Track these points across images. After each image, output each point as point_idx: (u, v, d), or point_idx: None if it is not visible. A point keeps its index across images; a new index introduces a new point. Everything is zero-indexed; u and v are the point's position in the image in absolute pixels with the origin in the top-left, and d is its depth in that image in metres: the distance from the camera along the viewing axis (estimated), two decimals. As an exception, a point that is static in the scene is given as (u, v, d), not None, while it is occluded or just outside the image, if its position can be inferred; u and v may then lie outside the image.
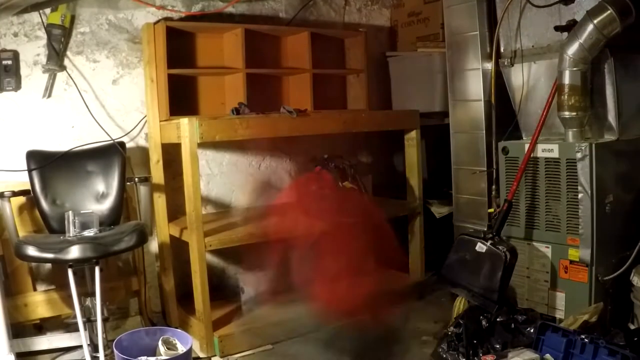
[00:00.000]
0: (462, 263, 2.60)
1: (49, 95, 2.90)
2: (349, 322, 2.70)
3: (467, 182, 3.04)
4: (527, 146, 2.64)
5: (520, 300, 2.72)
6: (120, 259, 3.04)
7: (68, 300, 2.59)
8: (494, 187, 2.82)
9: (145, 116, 3.09)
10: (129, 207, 2.95)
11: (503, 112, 2.88)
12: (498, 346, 2.30)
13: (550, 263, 2.61)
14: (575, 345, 2.09)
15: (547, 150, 2.60)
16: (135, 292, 3.01)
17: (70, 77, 2.92)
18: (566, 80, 2.47)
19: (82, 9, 2.94)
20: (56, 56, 2.83)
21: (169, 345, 2.31)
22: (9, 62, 2.77)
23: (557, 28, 2.58)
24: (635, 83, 2.62)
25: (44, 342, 2.74)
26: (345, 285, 2.52)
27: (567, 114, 2.51)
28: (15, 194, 2.57)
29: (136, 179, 2.78)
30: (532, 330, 2.32)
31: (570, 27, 2.50)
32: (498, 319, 2.39)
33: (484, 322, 2.39)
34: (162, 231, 3.05)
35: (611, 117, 2.55)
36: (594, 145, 2.44)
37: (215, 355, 2.69)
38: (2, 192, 2.51)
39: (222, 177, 3.38)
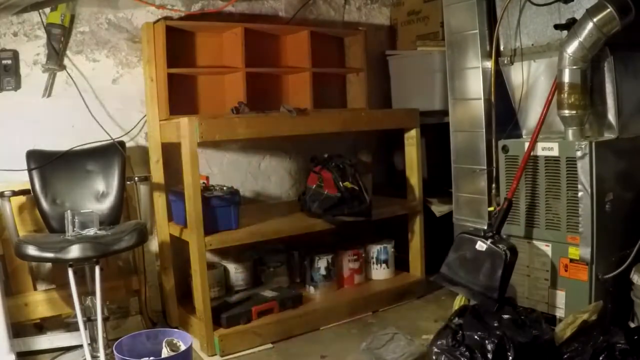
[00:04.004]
0: (462, 261, 2.59)
1: (49, 95, 2.91)
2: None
3: (467, 181, 3.03)
4: (527, 145, 2.64)
5: (520, 299, 2.72)
6: (120, 258, 3.04)
7: (68, 300, 2.60)
8: (494, 185, 2.82)
9: (145, 115, 3.09)
10: (129, 207, 2.95)
11: (503, 110, 2.88)
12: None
13: (551, 261, 2.61)
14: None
15: (547, 148, 2.60)
16: (135, 291, 3.01)
17: (70, 76, 2.93)
18: (566, 78, 2.47)
19: (82, 9, 2.95)
20: (56, 56, 2.84)
21: (173, 347, 2.31)
22: (9, 61, 2.78)
23: (557, 26, 2.58)
24: (635, 81, 2.62)
25: (44, 341, 2.74)
26: None
27: (567, 112, 2.50)
28: (15, 193, 2.57)
29: (136, 178, 2.79)
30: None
31: (570, 26, 2.49)
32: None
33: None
34: (162, 230, 3.06)
35: (611, 115, 2.55)
36: (593, 144, 2.44)
37: (215, 354, 2.69)
38: (2, 192, 2.51)
39: (222, 176, 3.38)
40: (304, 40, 3.36)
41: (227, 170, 3.41)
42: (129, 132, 3.08)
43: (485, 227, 2.69)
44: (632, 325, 2.43)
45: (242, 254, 3.25)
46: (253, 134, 2.83)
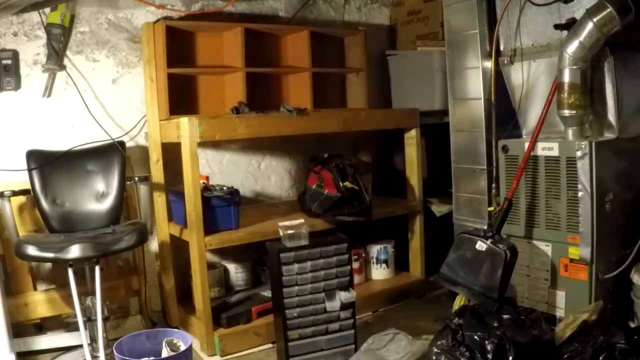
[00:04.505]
0: (462, 261, 2.59)
1: (49, 95, 2.91)
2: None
3: (467, 181, 3.03)
4: (527, 144, 2.64)
5: (520, 299, 2.72)
6: (120, 258, 3.04)
7: (68, 300, 2.60)
8: (494, 185, 2.82)
9: (145, 115, 3.09)
10: (129, 207, 2.95)
11: (503, 110, 2.88)
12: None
13: (551, 261, 2.61)
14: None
15: (547, 148, 2.60)
16: (135, 291, 3.01)
17: (70, 76, 2.93)
18: (566, 78, 2.47)
19: (82, 8, 2.95)
20: (56, 56, 2.84)
21: (173, 347, 2.31)
22: (9, 61, 2.78)
23: (557, 26, 2.58)
24: (635, 81, 2.62)
25: (44, 341, 2.74)
26: None
27: (566, 112, 2.50)
28: (15, 193, 2.57)
29: (136, 178, 2.79)
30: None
31: (570, 26, 2.49)
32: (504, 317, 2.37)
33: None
34: (162, 230, 3.06)
35: (611, 115, 2.55)
36: (593, 144, 2.44)
37: (215, 354, 2.69)
38: (2, 192, 2.51)
39: (222, 176, 3.38)
40: (304, 40, 3.36)
41: (227, 170, 3.41)
42: (129, 132, 3.09)
43: (485, 227, 2.69)
44: (632, 325, 2.43)
45: (242, 254, 3.25)
46: (253, 134, 2.82)
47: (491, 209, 2.79)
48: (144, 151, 3.13)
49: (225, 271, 3.17)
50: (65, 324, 2.81)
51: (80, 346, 2.53)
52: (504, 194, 2.71)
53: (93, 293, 2.39)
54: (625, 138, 2.57)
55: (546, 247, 2.63)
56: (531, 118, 2.79)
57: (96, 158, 2.78)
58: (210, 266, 3.03)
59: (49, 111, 2.91)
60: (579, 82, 2.46)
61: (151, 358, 2.30)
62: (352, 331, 2.57)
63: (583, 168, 2.45)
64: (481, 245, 2.54)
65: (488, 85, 2.89)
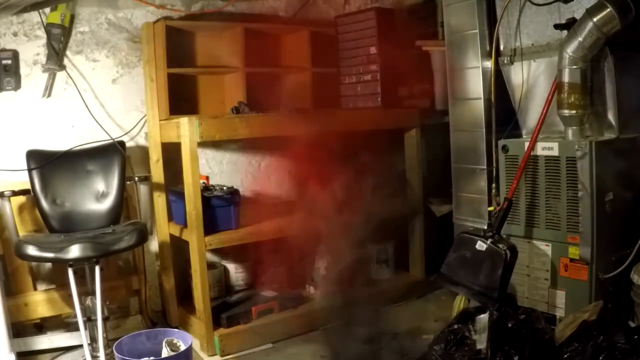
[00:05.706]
0: (462, 261, 2.59)
1: (49, 95, 2.91)
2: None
3: (467, 181, 3.03)
4: (527, 144, 2.64)
5: (521, 299, 2.72)
6: (120, 258, 3.04)
7: (68, 300, 2.60)
8: (494, 185, 2.81)
9: (145, 115, 3.09)
10: (129, 206, 2.95)
11: (503, 110, 2.88)
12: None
13: (551, 261, 2.61)
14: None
15: (547, 148, 2.59)
16: (135, 291, 3.01)
17: (70, 76, 2.93)
18: (566, 78, 2.47)
19: (82, 8, 2.95)
20: (56, 56, 2.84)
21: (173, 347, 2.31)
22: (9, 61, 2.78)
23: (557, 26, 2.58)
24: (635, 81, 2.61)
25: (44, 341, 2.74)
26: None
27: (566, 112, 2.50)
28: (15, 193, 2.57)
29: (136, 178, 2.79)
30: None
31: (570, 25, 2.49)
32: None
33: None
34: (162, 230, 3.06)
35: (611, 115, 2.54)
36: (593, 143, 2.43)
37: (215, 354, 2.69)
38: (2, 192, 2.52)
39: (222, 176, 3.38)
40: (304, 40, 3.36)
41: (227, 170, 3.41)
42: (129, 132, 3.08)
43: (485, 227, 2.69)
44: (632, 325, 2.43)
45: (242, 253, 3.25)
46: (253, 133, 2.83)
47: (491, 208, 2.79)
48: (144, 151, 3.13)
49: (225, 271, 3.16)
50: (65, 324, 2.81)
51: (80, 346, 2.53)
52: (504, 194, 2.71)
53: (93, 293, 2.39)
54: (625, 138, 2.57)
55: (546, 247, 2.63)
56: (531, 118, 2.78)
57: (96, 158, 2.78)
58: (210, 266, 3.03)
59: (49, 111, 2.91)
60: (579, 82, 2.45)
61: (151, 358, 2.30)
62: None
63: (583, 168, 2.45)
64: (481, 245, 2.54)
65: (488, 85, 2.89)
